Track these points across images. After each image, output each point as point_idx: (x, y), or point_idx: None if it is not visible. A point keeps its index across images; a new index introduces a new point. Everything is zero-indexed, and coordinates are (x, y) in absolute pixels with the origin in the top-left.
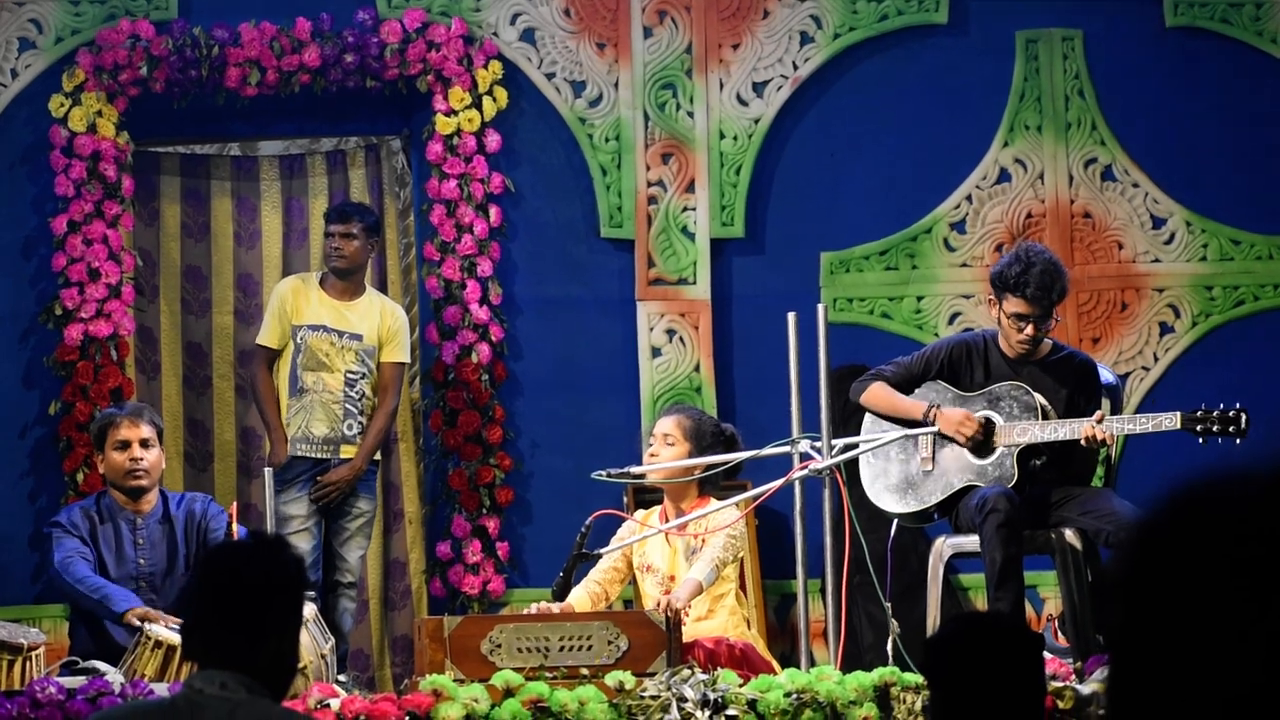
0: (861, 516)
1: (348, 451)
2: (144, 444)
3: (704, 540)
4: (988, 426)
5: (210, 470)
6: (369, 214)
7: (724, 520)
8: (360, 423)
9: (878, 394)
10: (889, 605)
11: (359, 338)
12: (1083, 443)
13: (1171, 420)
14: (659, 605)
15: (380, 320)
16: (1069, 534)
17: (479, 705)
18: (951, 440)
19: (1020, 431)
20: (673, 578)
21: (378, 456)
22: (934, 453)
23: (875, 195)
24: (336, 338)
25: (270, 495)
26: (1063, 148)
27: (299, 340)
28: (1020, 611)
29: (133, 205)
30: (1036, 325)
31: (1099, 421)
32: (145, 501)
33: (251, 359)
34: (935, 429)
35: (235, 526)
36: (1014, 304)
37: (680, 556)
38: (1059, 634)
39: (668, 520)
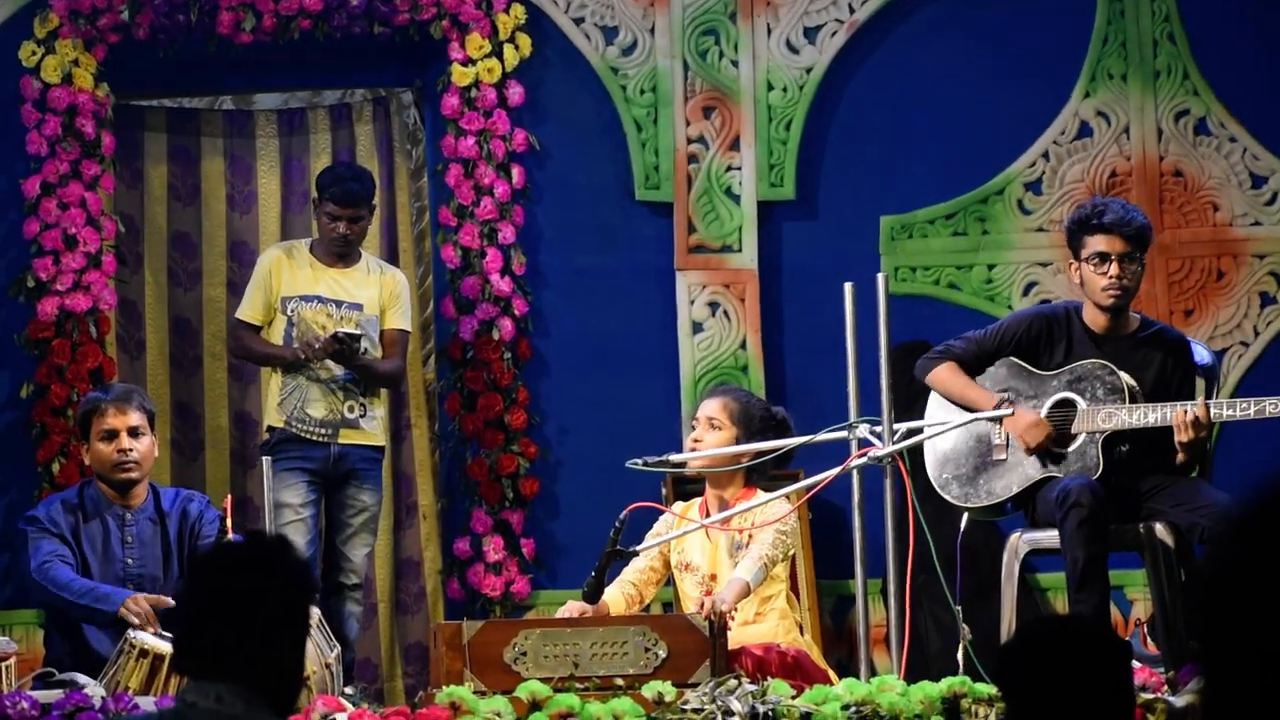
0: (927, 509)
1: (349, 436)
2: (133, 432)
3: (750, 536)
4: (1060, 432)
5: (200, 460)
6: (371, 183)
7: (773, 514)
8: (364, 405)
9: (945, 376)
10: (959, 608)
11: (358, 307)
12: (1181, 434)
13: (1274, 406)
14: (701, 608)
15: (380, 288)
16: (1160, 528)
17: None
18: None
19: (1105, 417)
20: (714, 577)
21: (386, 443)
22: (1009, 439)
23: (941, 152)
24: (334, 309)
25: (269, 486)
26: (1150, 98)
27: (290, 313)
28: (1105, 615)
29: (114, 165)
30: (1122, 264)
31: (1201, 409)
32: (134, 495)
33: (232, 336)
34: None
35: (229, 526)
36: (1094, 243)
37: (723, 553)
38: (1148, 640)
39: (709, 513)
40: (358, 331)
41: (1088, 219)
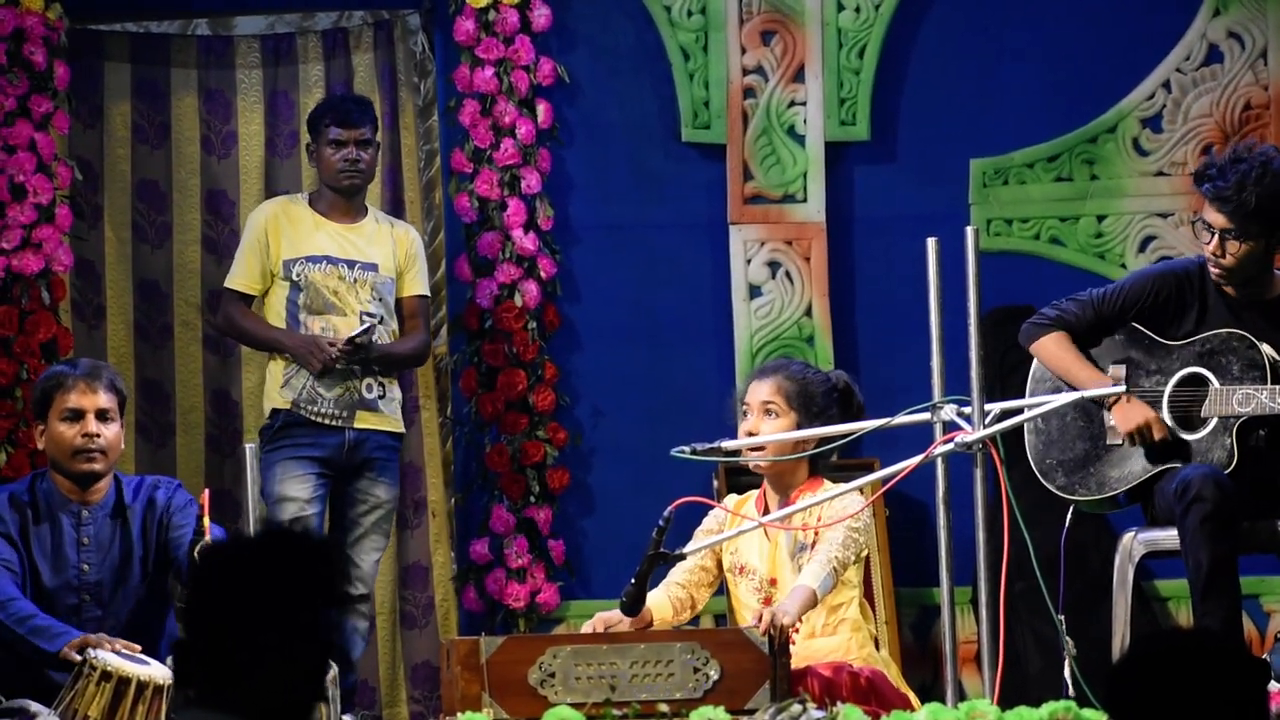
0: (1024, 503)
1: (368, 420)
2: (101, 415)
3: (817, 534)
4: (1175, 444)
5: (170, 446)
6: (373, 108)
7: (843, 509)
8: (382, 384)
9: (1053, 348)
10: (1062, 620)
11: (373, 268)
12: None
13: None
14: (759, 620)
15: (395, 245)
16: None
17: None
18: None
19: (1242, 399)
20: (774, 582)
21: (400, 429)
22: None
23: (1043, 85)
24: (346, 270)
25: (252, 478)
26: None
27: (296, 277)
28: (1236, 628)
29: (69, 101)
30: (1224, 242)
31: None
32: (95, 490)
33: (220, 305)
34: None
35: (208, 523)
36: (1204, 207)
37: (784, 555)
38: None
39: (768, 509)
40: (370, 324)
41: (1203, 177)
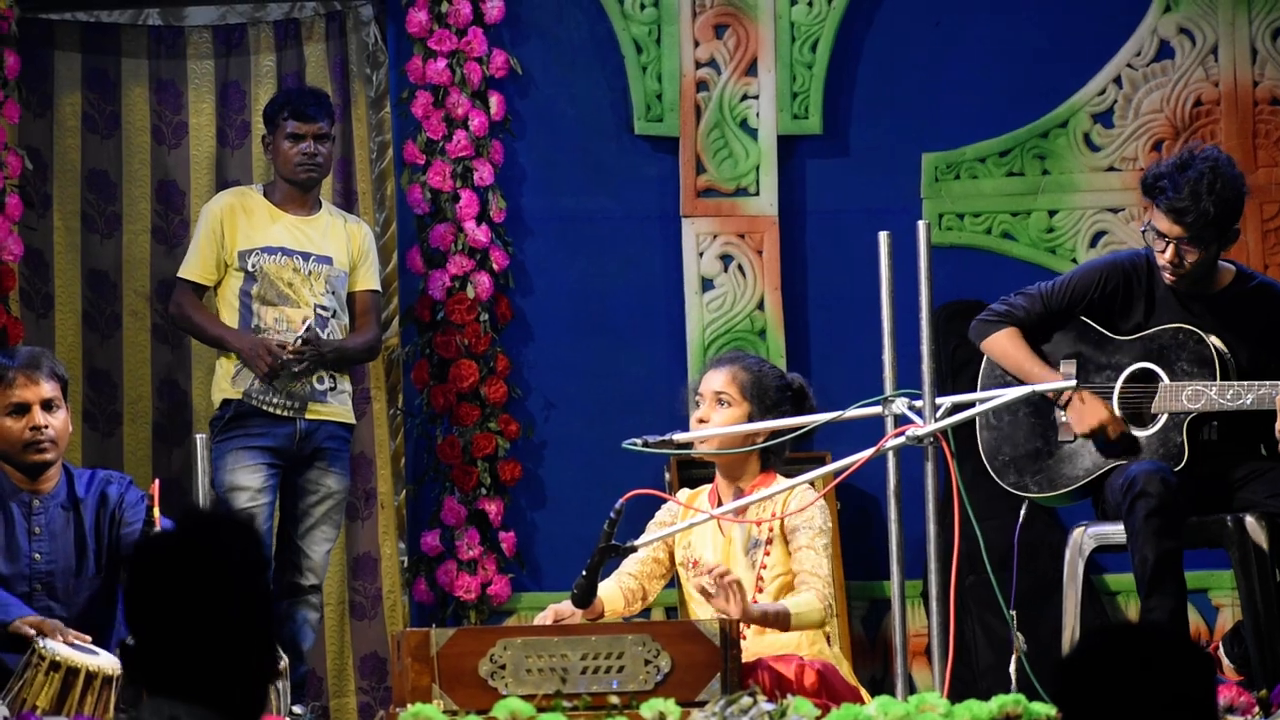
0: (976, 498)
1: (319, 411)
2: (47, 406)
3: (771, 530)
4: (1129, 439)
5: (118, 435)
6: (329, 101)
7: (799, 504)
8: (333, 376)
9: (1005, 344)
10: (1013, 615)
11: (328, 260)
12: None
13: None
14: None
15: (349, 239)
16: (1251, 522)
17: None
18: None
19: (1192, 395)
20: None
21: (351, 420)
22: None
23: (995, 79)
24: (301, 262)
25: (202, 469)
26: (1244, 12)
27: (251, 267)
28: (1180, 622)
29: (18, 90)
30: (1178, 249)
31: None
32: (46, 479)
33: (172, 294)
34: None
35: (158, 514)
36: (1155, 216)
37: (738, 550)
38: (1223, 660)
39: (720, 502)
40: (309, 324)
41: (1155, 186)
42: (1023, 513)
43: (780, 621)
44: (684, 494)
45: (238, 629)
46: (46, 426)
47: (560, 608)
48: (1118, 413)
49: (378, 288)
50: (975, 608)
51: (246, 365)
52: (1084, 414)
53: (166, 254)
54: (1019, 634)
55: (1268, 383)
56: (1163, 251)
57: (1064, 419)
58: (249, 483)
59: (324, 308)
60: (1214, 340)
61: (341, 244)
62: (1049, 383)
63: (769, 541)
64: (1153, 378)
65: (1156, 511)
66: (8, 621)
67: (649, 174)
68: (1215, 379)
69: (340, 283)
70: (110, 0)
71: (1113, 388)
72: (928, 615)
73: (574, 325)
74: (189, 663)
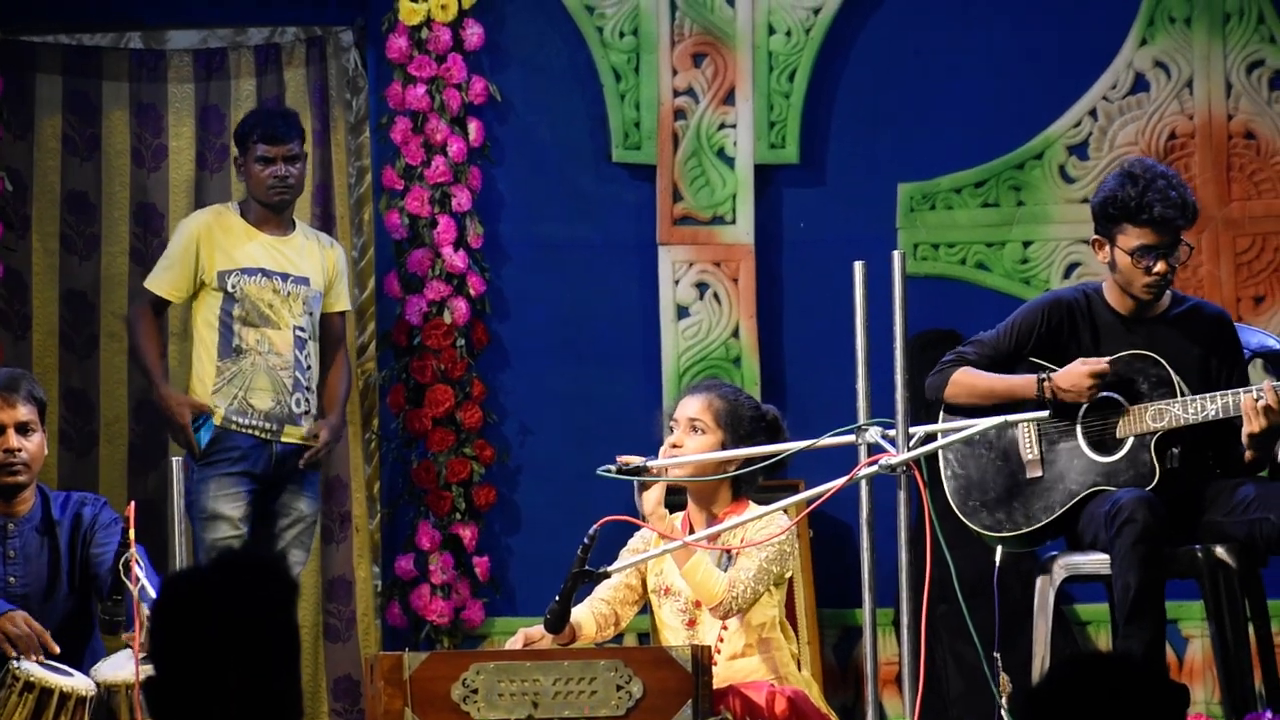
0: (947, 526)
1: (294, 434)
2: (22, 429)
3: (739, 554)
4: (1103, 437)
5: (93, 455)
6: (298, 121)
7: (768, 531)
8: (309, 399)
9: (963, 382)
10: (997, 657)
11: (305, 281)
12: (1251, 424)
13: None
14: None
15: (324, 260)
16: (1221, 551)
17: None
18: (1076, 402)
19: (1155, 415)
20: (698, 604)
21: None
22: (1043, 452)
23: (970, 110)
24: (280, 283)
25: (178, 491)
26: (1219, 46)
27: (231, 288)
28: (1159, 654)
29: (0, 112)
30: (1169, 259)
31: (1270, 393)
32: (20, 501)
33: (133, 301)
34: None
35: (132, 537)
36: (1136, 235)
37: None
38: None
39: (693, 530)
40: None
41: (1134, 206)
42: (998, 558)
43: (709, 583)
44: None
45: (262, 669)
46: (20, 450)
47: (530, 631)
48: (1083, 444)
49: (348, 308)
50: (946, 636)
51: (163, 416)
52: (1064, 377)
53: (143, 276)
54: (1005, 674)
55: (1231, 391)
56: (1150, 268)
57: (1029, 453)
58: (230, 512)
59: (301, 329)
60: (1166, 363)
61: (317, 264)
62: (1028, 387)
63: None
64: (1114, 405)
65: (1143, 539)
66: None
67: (626, 201)
68: (1176, 397)
69: (315, 303)
70: (92, 24)
71: (1074, 421)
72: (899, 643)
73: (550, 351)
74: (213, 700)
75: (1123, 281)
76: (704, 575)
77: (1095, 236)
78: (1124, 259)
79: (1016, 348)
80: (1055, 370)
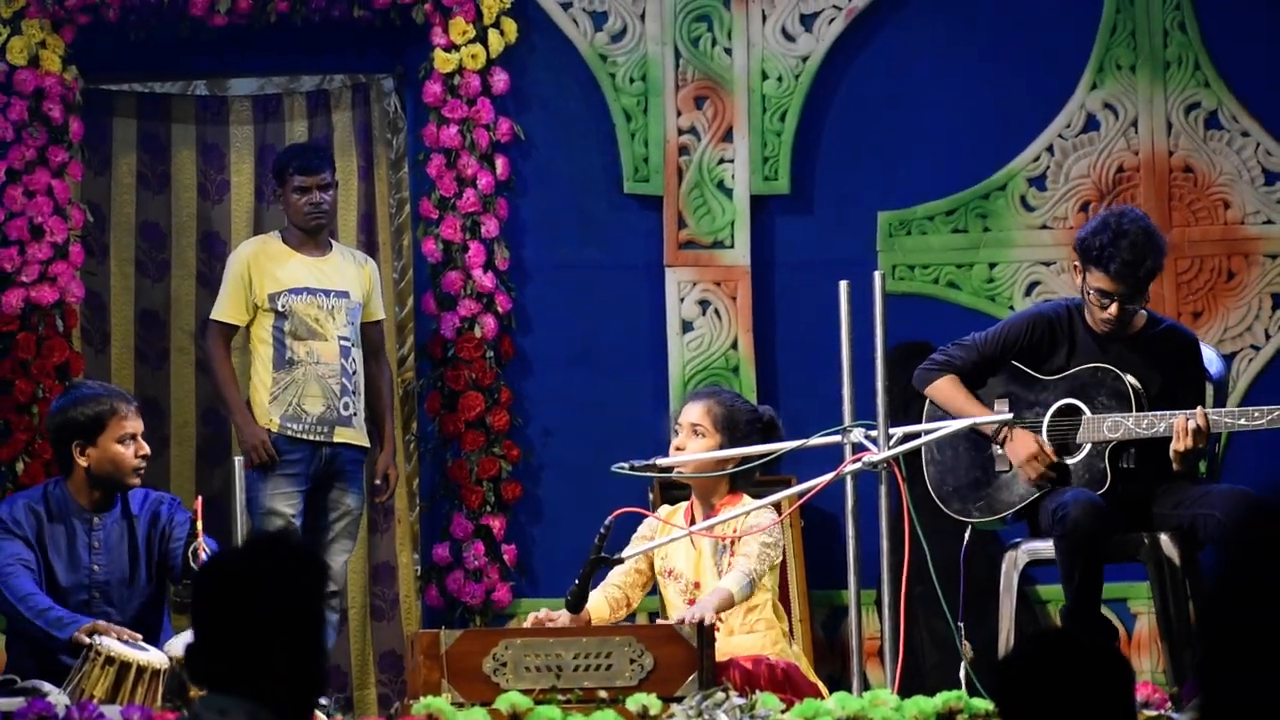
0: (923, 517)
1: (343, 435)
2: (142, 437)
3: (734, 543)
4: (1059, 468)
5: (166, 457)
6: (328, 152)
7: (759, 522)
8: (355, 402)
9: (946, 390)
10: (960, 626)
11: (345, 295)
12: (1178, 443)
13: None
14: (685, 622)
15: (360, 273)
16: (1164, 540)
17: None
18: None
19: (1111, 426)
20: (698, 585)
21: (367, 444)
22: None
23: (941, 146)
24: (324, 299)
25: (240, 487)
26: (1160, 90)
27: (281, 307)
28: (1090, 625)
29: (81, 152)
30: (1122, 304)
31: (1201, 418)
32: (109, 499)
33: (207, 334)
34: (1010, 414)
35: (200, 528)
36: (1097, 278)
37: (708, 561)
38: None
39: (694, 520)
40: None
41: (1097, 254)
42: (966, 538)
43: (727, 603)
44: (663, 510)
45: (291, 638)
46: (148, 455)
47: (539, 615)
48: (1047, 446)
49: (383, 317)
50: (922, 614)
51: (240, 445)
52: (1017, 447)
53: (209, 297)
54: (966, 642)
55: (1176, 412)
56: (1106, 308)
57: (1000, 452)
58: (285, 509)
59: (345, 338)
60: (1129, 378)
61: (354, 279)
62: (986, 430)
63: (732, 554)
64: (1076, 412)
65: (1073, 534)
66: (67, 639)
67: (636, 228)
68: (1132, 410)
69: (356, 314)
70: (163, 73)
71: (1041, 422)
72: (880, 620)
73: (569, 362)
74: (245, 664)
75: (1087, 309)
76: (739, 597)
77: (1075, 263)
78: (1089, 293)
79: (1001, 354)
80: (1032, 374)
